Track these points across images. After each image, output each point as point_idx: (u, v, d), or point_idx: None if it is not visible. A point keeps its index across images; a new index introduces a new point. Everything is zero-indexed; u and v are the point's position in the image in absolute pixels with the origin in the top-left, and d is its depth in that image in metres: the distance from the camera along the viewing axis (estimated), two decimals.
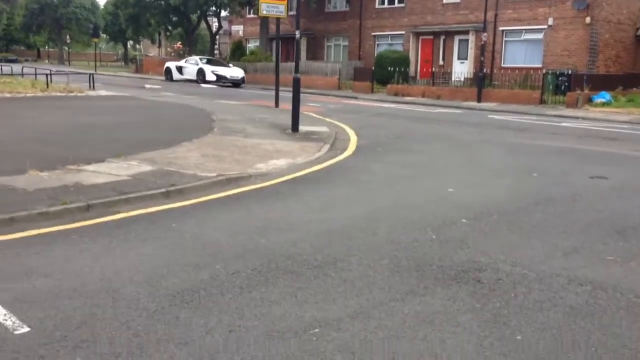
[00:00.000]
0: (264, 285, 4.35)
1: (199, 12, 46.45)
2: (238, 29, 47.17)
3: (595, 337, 3.63)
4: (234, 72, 31.74)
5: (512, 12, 29.60)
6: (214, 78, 31.12)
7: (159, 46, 63.28)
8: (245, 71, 37.72)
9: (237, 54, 39.94)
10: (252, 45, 43.59)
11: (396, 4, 35.07)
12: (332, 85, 30.40)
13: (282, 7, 15.98)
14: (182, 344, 3.45)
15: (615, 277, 4.66)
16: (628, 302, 4.17)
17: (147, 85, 29.03)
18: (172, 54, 48.08)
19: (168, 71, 34.59)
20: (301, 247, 5.23)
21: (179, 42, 49.63)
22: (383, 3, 35.97)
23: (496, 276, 4.62)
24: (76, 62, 67.90)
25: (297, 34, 12.47)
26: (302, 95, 23.30)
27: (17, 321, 3.65)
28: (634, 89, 24.49)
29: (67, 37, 68.10)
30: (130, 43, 77.41)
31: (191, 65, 32.99)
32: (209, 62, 33.93)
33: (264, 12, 15.83)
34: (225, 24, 55.07)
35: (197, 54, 53.94)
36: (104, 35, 69.76)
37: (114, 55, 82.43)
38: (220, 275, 4.53)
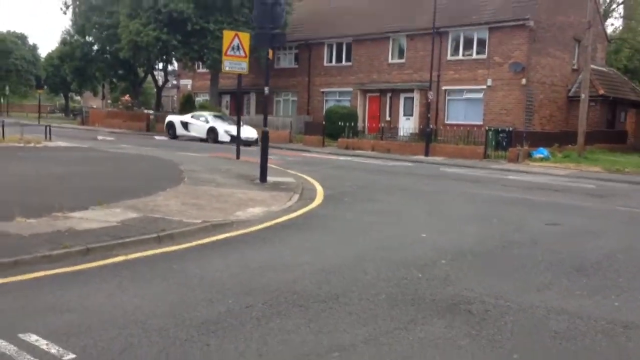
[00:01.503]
0: (278, 317, 4.72)
1: (145, 66, 46.86)
2: (187, 83, 47.71)
3: (580, 355, 4.17)
4: (248, 132, 27.82)
5: (454, 72, 31.38)
6: (227, 139, 27.59)
7: (103, 98, 63.02)
8: None
9: (187, 107, 40.29)
10: (201, 98, 44.14)
11: (344, 63, 36.52)
12: (284, 138, 31.11)
13: (245, 64, 16.62)
14: None
15: (586, 308, 5.25)
16: (603, 327, 4.75)
17: (100, 137, 28.92)
18: (120, 106, 47.90)
19: (170, 126, 31.09)
20: (302, 284, 5.62)
21: (127, 95, 49.62)
22: (331, 61, 37.38)
23: (484, 307, 5.13)
24: (14, 113, 66.62)
25: (266, 90, 13.08)
26: (256, 148, 23.87)
27: (61, 349, 3.90)
28: (569, 145, 26.21)
29: (6, 88, 66.87)
30: (71, 95, 76.60)
31: (199, 122, 29.56)
32: (217, 118, 30.37)
33: (227, 68, 16.41)
34: (171, 78, 55.62)
35: (140, 107, 54.17)
36: (45, 87, 68.94)
37: (52, 106, 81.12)
38: (236, 309, 4.87)
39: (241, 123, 31.45)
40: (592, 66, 28.70)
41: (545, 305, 5.24)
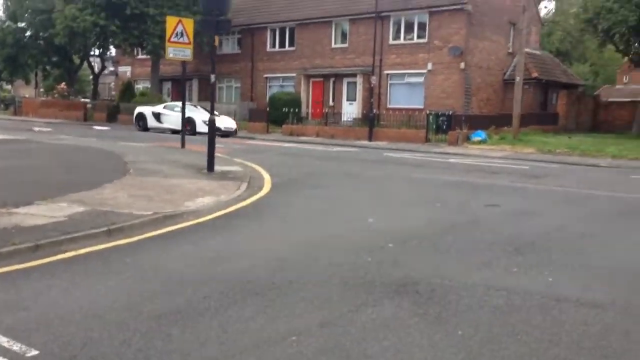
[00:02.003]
0: (235, 305, 4.88)
1: (81, 52, 45.51)
2: (126, 70, 46.64)
3: (519, 328, 4.51)
4: (227, 122, 26.87)
5: (396, 57, 31.89)
6: (205, 129, 26.33)
7: (35, 87, 60.81)
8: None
9: (127, 95, 39.49)
10: (141, 86, 43.29)
11: (287, 47, 36.52)
12: None
13: (189, 51, 16.52)
14: (185, 355, 3.93)
15: (522, 283, 5.63)
16: (537, 301, 5.12)
17: (36, 128, 28.02)
18: (56, 95, 46.37)
19: (140, 117, 28.85)
20: (256, 273, 5.79)
21: (63, 83, 48.05)
22: (274, 46, 37.31)
23: (430, 287, 5.44)
24: None
25: (213, 77, 13.07)
26: (202, 137, 23.73)
27: (24, 346, 3.95)
28: (505, 127, 27.13)
29: None
30: (1, 84, 73.51)
31: (174, 112, 27.12)
32: (193, 108, 28.38)
33: (171, 55, 16.27)
34: (108, 65, 54.18)
35: (77, 95, 52.50)
36: None
37: None
38: (194, 299, 5.00)
39: (217, 112, 27.91)
40: (526, 50, 29.69)
41: (486, 283, 5.59)
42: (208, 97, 39.11)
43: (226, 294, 5.14)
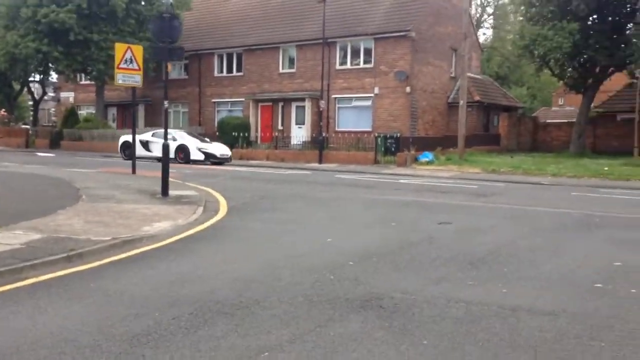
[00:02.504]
0: (205, 325, 4.95)
1: (21, 78, 44.40)
2: (68, 95, 45.74)
3: (480, 336, 4.75)
4: (221, 149, 26.11)
5: (343, 81, 32.50)
6: (201, 157, 25.19)
7: None
8: (80, 138, 36.78)
9: (71, 120, 38.75)
10: (84, 112, 42.53)
11: (235, 73, 36.68)
12: None
13: (139, 78, 16.41)
14: None
15: (479, 295, 5.90)
16: (495, 311, 5.39)
17: None
18: None
19: (127, 146, 26.36)
20: (223, 293, 5.87)
21: (3, 110, 46.65)
22: (222, 72, 37.41)
23: (393, 302, 5.64)
24: None
25: (166, 104, 13.07)
26: (151, 162, 23.48)
27: None
28: (450, 148, 27.97)
29: None
30: None
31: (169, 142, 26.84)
32: (186, 135, 27.51)
33: (120, 81, 16.14)
34: (49, 90, 52.96)
35: (17, 122, 50.98)
36: None
37: None
38: (163, 320, 5.04)
39: (208, 139, 27.62)
40: (468, 74, 30.77)
41: (445, 296, 5.83)
42: (154, 122, 39.11)
43: (195, 315, 5.20)
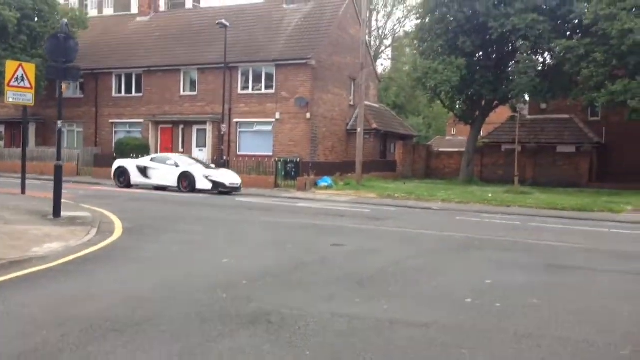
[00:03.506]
0: (95, 342, 5.04)
1: None
2: None
3: (358, 346, 5.15)
4: (230, 177, 23.21)
5: (245, 106, 32.84)
6: (208, 186, 22.28)
7: None
8: None
9: None
10: None
11: (134, 94, 36.08)
12: (71, 171, 29.68)
13: (30, 96, 15.97)
14: None
15: (363, 311, 6.33)
16: (374, 324, 5.83)
17: None
18: None
19: (122, 172, 24.24)
20: (115, 311, 5.95)
21: None
22: (120, 92, 36.67)
23: (281, 317, 5.95)
24: None
25: (60, 124, 12.81)
26: (41, 182, 22.62)
27: None
28: (349, 174, 28.88)
29: None
30: None
31: (166, 166, 23.23)
32: (190, 161, 24.77)
33: (11, 100, 15.63)
34: None
35: None
36: None
37: None
38: (51, 338, 5.08)
39: (213, 165, 25.30)
40: (366, 103, 32.02)
41: (331, 312, 6.22)
42: (46, 141, 37.58)
43: (85, 332, 5.27)
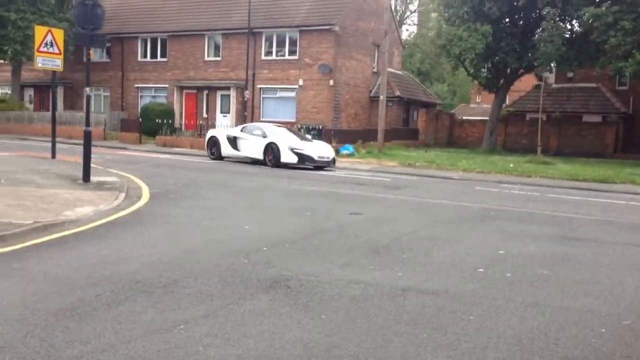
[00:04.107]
0: (126, 302, 5.43)
1: None
2: None
3: (371, 311, 5.47)
4: (322, 149, 20.74)
5: (268, 72, 32.95)
6: (293, 159, 19.90)
7: None
8: None
9: None
10: None
11: (159, 58, 36.36)
12: (98, 136, 30.17)
13: (59, 61, 16.30)
14: (84, 342, 4.46)
15: (377, 278, 6.64)
16: (387, 291, 6.14)
17: None
18: None
19: (213, 143, 22.27)
20: (143, 274, 6.34)
21: None
22: (145, 56, 36.98)
23: (299, 283, 6.29)
24: None
25: (87, 90, 13.23)
26: (70, 146, 23.19)
27: None
28: (371, 142, 29.02)
29: None
30: None
31: (253, 137, 20.99)
32: (279, 130, 22.06)
33: (40, 65, 15.97)
34: None
35: None
36: None
37: None
38: (86, 297, 5.48)
39: (310, 138, 22.42)
40: (390, 70, 31.92)
41: (346, 278, 6.54)
42: (74, 106, 38.25)
43: (117, 293, 5.67)
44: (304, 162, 19.81)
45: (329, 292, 6.00)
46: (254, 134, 21.05)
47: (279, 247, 7.96)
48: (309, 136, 22.62)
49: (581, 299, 6.04)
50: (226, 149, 21.65)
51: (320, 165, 20.08)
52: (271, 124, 24.56)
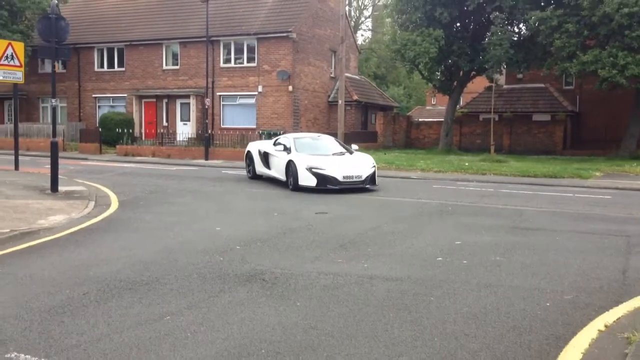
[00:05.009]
0: (114, 298, 5.81)
1: None
2: None
3: (341, 297, 5.98)
4: (352, 166, 15.68)
5: (227, 79, 33.25)
6: (312, 182, 15.14)
7: None
8: None
9: None
10: None
11: (116, 68, 36.25)
12: None
13: (20, 74, 16.46)
14: (80, 333, 4.84)
15: (345, 269, 7.16)
16: (355, 279, 6.66)
17: None
18: None
19: (250, 160, 18.51)
20: (125, 273, 6.71)
21: None
22: (102, 66, 36.81)
23: (274, 276, 6.76)
24: None
25: (53, 101, 13.36)
26: (31, 158, 23.07)
27: None
28: None
29: None
30: None
31: (279, 152, 16.56)
32: (307, 141, 17.21)
33: (1, 78, 16.07)
34: None
35: None
36: None
37: None
38: (75, 296, 5.84)
39: (352, 150, 17.17)
40: (347, 74, 32.63)
41: (317, 270, 7.04)
42: (30, 118, 37.75)
43: (103, 291, 6.04)
44: (325, 185, 15.10)
45: (302, 283, 6.49)
46: (279, 149, 16.62)
47: (251, 245, 8.41)
48: (354, 146, 17.77)
49: (530, 280, 6.68)
50: (259, 167, 17.86)
51: (349, 188, 15.23)
52: (314, 133, 21.18)
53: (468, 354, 4.49)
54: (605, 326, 4.86)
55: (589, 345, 4.49)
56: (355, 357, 4.43)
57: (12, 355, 4.36)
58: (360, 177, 15.48)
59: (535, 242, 8.87)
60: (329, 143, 17.48)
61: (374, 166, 16.04)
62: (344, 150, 16.84)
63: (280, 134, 28.19)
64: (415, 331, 4.99)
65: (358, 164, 15.86)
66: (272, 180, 17.03)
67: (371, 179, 15.78)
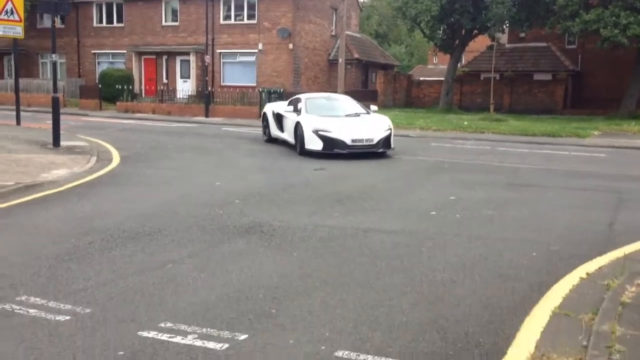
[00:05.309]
0: (118, 247, 6.05)
1: None
2: None
3: (336, 248, 6.21)
4: (365, 128, 14.15)
5: (227, 36, 33.01)
6: (317, 145, 13.73)
7: None
8: None
9: None
10: None
11: (115, 24, 35.93)
12: None
13: (20, 29, 16.47)
14: (87, 279, 5.08)
15: (341, 222, 7.38)
16: (350, 232, 6.88)
17: None
18: None
19: (266, 122, 17.12)
20: (128, 224, 6.94)
21: None
22: (101, 22, 36.46)
23: (272, 228, 6.98)
24: None
25: (54, 57, 13.46)
26: (31, 114, 23.17)
27: None
28: None
29: None
30: None
31: (290, 113, 15.22)
32: (319, 101, 16.00)
33: (1, 33, 16.06)
34: None
35: None
36: None
37: None
38: (80, 245, 6.07)
39: (374, 106, 16.43)
40: (348, 32, 32.37)
41: (314, 223, 7.26)
42: (29, 73, 37.61)
43: (107, 240, 6.27)
44: (332, 149, 13.69)
45: (299, 235, 6.71)
46: (290, 110, 15.35)
47: (250, 199, 8.62)
48: (373, 107, 16.29)
49: (519, 232, 6.91)
50: (274, 129, 16.61)
51: (361, 152, 13.81)
52: (331, 93, 19.97)
53: (454, 299, 4.73)
54: (587, 274, 5.09)
55: (570, 290, 4.73)
56: (348, 302, 4.67)
57: (23, 298, 4.61)
58: (372, 140, 13.87)
59: (527, 198, 9.08)
60: (344, 104, 16.13)
61: (390, 128, 14.39)
62: (359, 111, 15.34)
63: (281, 92, 28.22)
64: (406, 279, 5.23)
65: (371, 126, 14.31)
66: (275, 140, 16.45)
67: (384, 142, 14.08)
